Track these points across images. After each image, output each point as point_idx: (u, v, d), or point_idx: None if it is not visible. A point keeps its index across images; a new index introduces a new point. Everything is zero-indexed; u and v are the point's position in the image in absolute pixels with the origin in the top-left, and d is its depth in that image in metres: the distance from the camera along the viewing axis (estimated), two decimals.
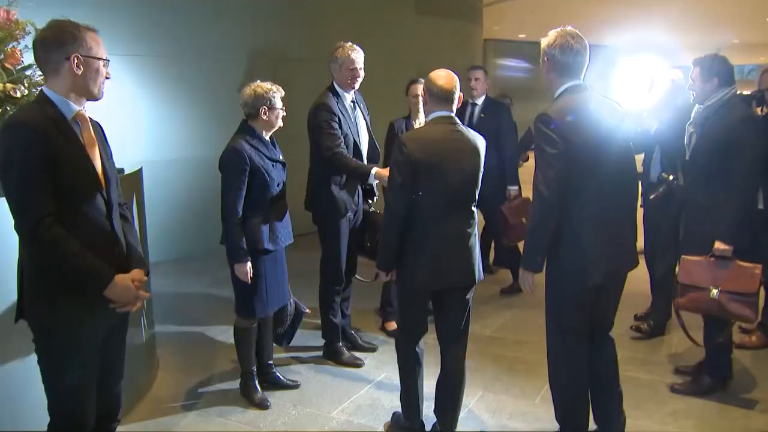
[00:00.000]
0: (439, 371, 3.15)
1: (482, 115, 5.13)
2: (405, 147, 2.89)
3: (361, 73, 4.01)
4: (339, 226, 4.01)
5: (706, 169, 3.44)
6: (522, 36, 17.89)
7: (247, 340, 3.58)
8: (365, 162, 4.07)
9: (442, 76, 2.99)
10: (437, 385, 3.16)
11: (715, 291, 3.29)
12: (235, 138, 3.39)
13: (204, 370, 4.07)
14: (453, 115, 3.01)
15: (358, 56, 3.98)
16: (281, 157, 3.50)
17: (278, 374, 3.80)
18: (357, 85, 4.04)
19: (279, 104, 3.42)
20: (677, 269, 3.52)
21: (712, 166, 3.39)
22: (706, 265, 3.35)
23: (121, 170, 3.18)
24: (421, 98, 3.67)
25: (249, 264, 3.32)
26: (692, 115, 3.63)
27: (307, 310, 3.87)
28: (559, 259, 2.77)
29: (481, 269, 3.11)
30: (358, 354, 4.20)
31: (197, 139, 6.62)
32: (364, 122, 4.19)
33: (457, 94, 3.01)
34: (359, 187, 4.10)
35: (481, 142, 3.05)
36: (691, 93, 3.61)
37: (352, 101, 4.09)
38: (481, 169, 3.03)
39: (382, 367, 4.07)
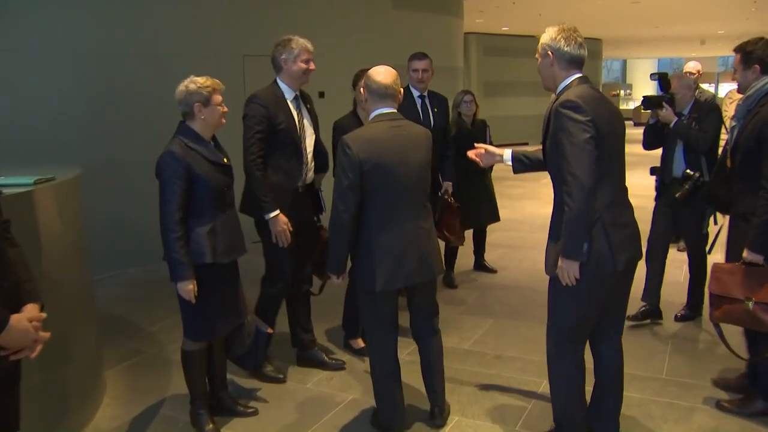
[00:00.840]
0: (420, 363, 3.25)
1: (435, 110, 4.75)
2: (349, 148, 2.87)
3: (314, 66, 3.70)
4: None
5: (748, 168, 3.19)
6: (505, 29, 17.56)
7: (195, 364, 3.23)
8: (308, 165, 3.76)
9: (381, 72, 2.99)
10: (422, 374, 3.26)
11: (750, 303, 3.03)
12: (171, 141, 3.05)
13: (155, 394, 3.71)
14: (395, 110, 3.01)
15: (311, 47, 3.68)
16: (226, 160, 3.14)
17: (233, 401, 3.46)
18: (307, 80, 3.73)
19: (217, 100, 3.08)
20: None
21: (753, 165, 3.15)
22: (738, 274, 3.09)
23: None
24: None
25: (193, 281, 2.98)
26: (732, 107, 3.46)
27: (269, 330, 3.51)
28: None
29: (441, 264, 3.18)
30: (329, 372, 3.93)
31: (140, 143, 6.09)
32: (310, 120, 3.83)
33: (398, 89, 3.00)
34: (301, 198, 3.77)
35: (426, 136, 3.06)
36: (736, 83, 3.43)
37: (296, 97, 3.75)
38: (429, 163, 3.04)
39: (349, 388, 3.73)
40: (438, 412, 3.27)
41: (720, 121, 4.29)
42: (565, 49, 2.73)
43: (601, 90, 24.38)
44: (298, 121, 3.72)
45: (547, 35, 2.78)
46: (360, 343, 4.20)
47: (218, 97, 3.08)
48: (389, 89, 2.98)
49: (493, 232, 7.38)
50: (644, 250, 3.08)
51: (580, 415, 2.91)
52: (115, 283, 5.81)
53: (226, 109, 3.14)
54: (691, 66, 5.35)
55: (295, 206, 3.68)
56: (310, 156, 3.79)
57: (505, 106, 17.98)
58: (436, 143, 4.50)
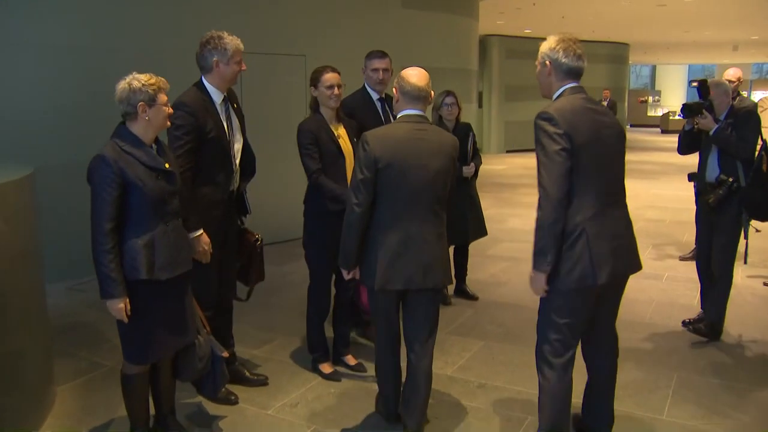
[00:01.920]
0: (406, 372, 3.15)
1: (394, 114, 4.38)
2: (368, 144, 2.91)
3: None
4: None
5: None
6: (528, 31, 17.11)
7: (136, 388, 2.94)
8: (236, 171, 3.49)
9: (415, 74, 3.00)
10: (404, 387, 3.16)
11: None
12: (106, 143, 2.74)
13: (104, 414, 3.41)
14: (422, 113, 3.02)
15: (242, 47, 3.39)
16: (168, 166, 2.83)
17: (181, 428, 3.15)
18: (235, 81, 3.45)
19: (163, 100, 2.77)
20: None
21: None
22: None
23: None
24: (337, 91, 3.63)
25: (125, 299, 2.68)
26: (765, 115, 3.40)
27: (224, 354, 3.19)
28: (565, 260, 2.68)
29: (450, 275, 3.13)
30: (294, 396, 3.62)
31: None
32: (238, 122, 3.54)
33: (430, 92, 3.03)
34: (227, 201, 3.50)
35: (452, 145, 3.05)
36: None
37: (224, 99, 3.45)
38: (449, 171, 3.01)
39: (314, 417, 3.40)
40: (415, 427, 3.11)
41: (758, 127, 4.23)
42: (563, 60, 2.76)
43: (627, 96, 23.87)
44: (228, 126, 3.43)
45: (546, 45, 2.81)
46: (328, 368, 3.88)
47: (164, 97, 2.79)
48: (422, 92, 2.99)
49: (499, 243, 7.06)
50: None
51: (565, 426, 2.85)
52: (91, 289, 5.53)
53: (171, 110, 2.86)
54: (731, 74, 5.16)
55: (225, 217, 3.45)
56: (237, 162, 3.51)
57: (526, 110, 17.49)
58: None
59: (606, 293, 2.81)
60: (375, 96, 4.21)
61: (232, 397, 3.50)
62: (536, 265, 2.70)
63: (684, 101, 4.35)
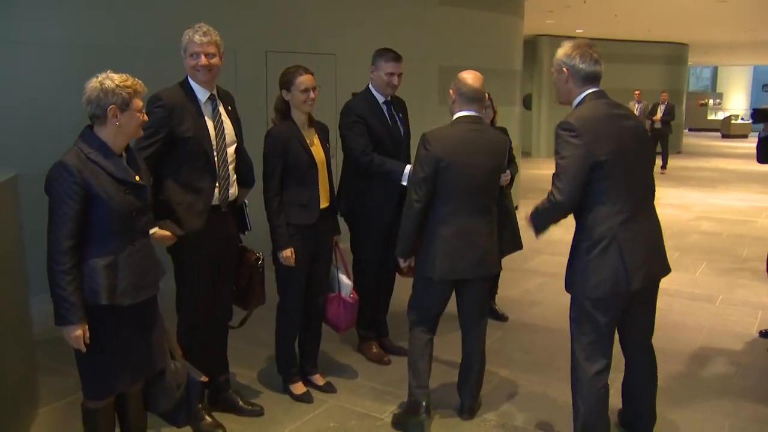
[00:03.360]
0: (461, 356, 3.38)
1: (401, 115, 4.00)
2: (429, 144, 3.09)
3: (214, 62, 3.06)
4: (192, 254, 3.11)
5: None
6: (580, 31, 16.44)
7: (99, 424, 2.61)
8: (229, 179, 3.17)
9: (471, 77, 3.16)
10: (460, 367, 3.40)
11: None
12: (69, 149, 2.43)
13: None
14: (477, 114, 3.18)
15: (204, 38, 3.03)
16: (138, 178, 2.50)
17: None
18: (207, 78, 3.09)
19: (137, 105, 2.46)
20: None
21: None
22: None
23: None
24: (312, 95, 3.37)
25: (83, 326, 2.36)
26: None
27: (203, 378, 2.87)
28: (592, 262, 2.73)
29: (500, 263, 3.39)
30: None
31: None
32: (231, 126, 3.20)
33: (485, 94, 3.24)
34: (222, 218, 3.19)
35: (504, 143, 3.29)
36: None
37: (211, 98, 3.13)
38: (501, 168, 3.26)
39: None
40: (468, 409, 3.39)
41: None
42: (581, 66, 2.77)
43: (685, 99, 22.90)
44: (214, 127, 3.10)
45: (562, 51, 2.83)
46: (299, 388, 3.60)
47: (139, 102, 2.47)
48: (477, 93, 3.15)
49: (537, 255, 6.57)
50: None
51: (600, 429, 2.87)
52: None
53: (144, 117, 2.53)
54: None
55: (213, 229, 3.10)
56: (231, 168, 3.18)
57: None
58: (405, 153, 3.96)
59: (639, 296, 2.82)
60: (381, 99, 3.87)
61: (219, 430, 3.17)
62: (533, 223, 2.87)
63: (749, 104, 4.04)
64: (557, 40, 17.06)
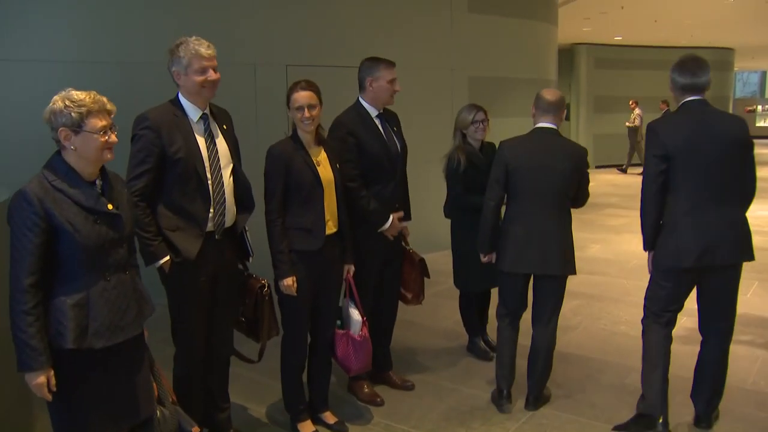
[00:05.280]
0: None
1: (395, 129, 3.70)
2: (501, 150, 3.52)
3: (217, 75, 2.85)
4: (185, 283, 2.89)
5: None
6: (618, 38, 15.94)
7: None
8: (225, 204, 2.93)
9: (549, 92, 3.56)
10: (528, 357, 3.62)
11: None
12: (34, 176, 2.20)
13: None
14: (551, 126, 3.50)
15: (210, 51, 2.83)
16: (111, 207, 2.26)
17: None
18: (211, 94, 2.88)
19: (94, 126, 2.18)
20: None
21: None
22: None
23: None
24: (308, 113, 3.11)
25: (48, 372, 2.12)
26: None
27: (194, 429, 2.61)
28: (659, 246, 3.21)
29: (572, 266, 3.51)
30: None
31: None
32: (226, 146, 2.97)
33: (559, 107, 3.51)
34: (219, 245, 2.97)
35: (577, 152, 3.50)
36: None
37: (204, 117, 2.90)
38: (571, 175, 3.43)
39: None
40: (532, 400, 3.60)
41: None
42: (679, 78, 3.19)
43: (732, 105, 22.20)
44: (207, 147, 2.86)
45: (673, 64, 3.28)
46: (308, 427, 3.32)
47: (97, 122, 2.19)
48: (551, 105, 3.49)
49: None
50: None
51: (657, 383, 3.26)
52: None
53: (113, 138, 2.24)
54: None
55: (208, 256, 2.87)
56: (227, 191, 2.94)
57: (617, 122, 16.27)
58: (402, 169, 3.74)
59: (705, 279, 3.17)
60: (374, 112, 3.58)
61: None
62: (646, 247, 3.31)
63: None
64: (595, 48, 16.87)
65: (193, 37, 2.86)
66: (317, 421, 3.40)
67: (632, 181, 13.75)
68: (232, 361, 3.25)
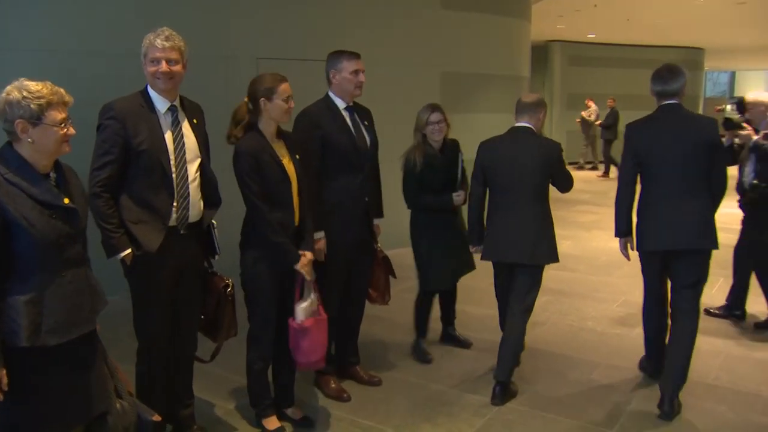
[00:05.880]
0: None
1: (366, 123, 3.68)
2: (479, 149, 3.79)
3: (177, 69, 2.82)
4: (147, 277, 2.85)
5: None
6: (592, 36, 16.06)
7: None
8: (190, 198, 2.89)
9: (528, 94, 3.94)
10: (500, 342, 3.73)
11: None
12: None
13: None
14: (526, 125, 3.73)
15: (166, 43, 2.79)
16: (68, 201, 2.21)
17: None
18: (168, 86, 2.84)
19: (54, 118, 2.15)
20: None
21: None
22: None
23: None
24: (292, 103, 3.13)
25: (1, 371, 2.07)
26: None
27: (155, 417, 2.59)
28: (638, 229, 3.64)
29: (552, 254, 3.68)
30: None
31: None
32: (194, 140, 2.93)
33: (535, 107, 3.76)
34: (183, 240, 2.92)
35: (549, 147, 3.72)
36: None
37: (172, 108, 2.87)
38: (543, 169, 3.65)
39: None
40: (498, 391, 3.66)
41: None
42: (652, 86, 3.60)
43: (702, 104, 22.38)
44: (174, 139, 2.83)
45: None
46: (273, 423, 3.28)
47: (57, 114, 2.16)
48: (525, 106, 3.75)
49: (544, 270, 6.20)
50: None
51: (653, 342, 3.83)
52: None
53: (71, 131, 2.22)
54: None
55: (171, 251, 2.83)
56: (192, 186, 2.90)
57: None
58: (372, 163, 3.73)
59: (671, 262, 3.57)
60: (342, 105, 3.56)
61: None
62: (618, 233, 3.72)
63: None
64: (569, 45, 16.97)
65: (162, 29, 2.82)
66: (283, 416, 3.37)
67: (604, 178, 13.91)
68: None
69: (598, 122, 14.67)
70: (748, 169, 4.61)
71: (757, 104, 4.72)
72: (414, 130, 4.09)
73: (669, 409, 3.42)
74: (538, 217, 3.64)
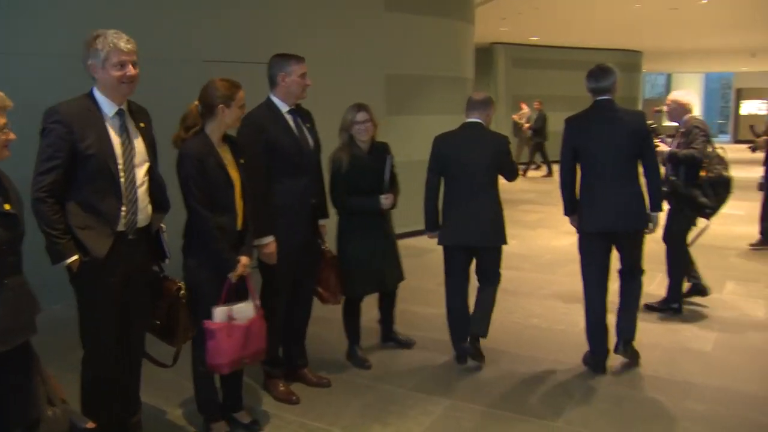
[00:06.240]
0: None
1: (308, 126, 3.68)
2: (435, 142, 4.11)
3: (137, 71, 2.79)
4: (95, 284, 2.79)
5: None
6: (535, 38, 16.40)
7: None
8: (138, 203, 2.85)
9: (478, 93, 4.30)
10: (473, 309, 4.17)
11: None
12: None
13: None
14: (477, 120, 4.07)
15: (129, 46, 2.76)
16: (8, 207, 2.16)
17: None
18: (130, 90, 2.81)
19: None
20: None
21: None
22: None
23: None
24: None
25: None
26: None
27: (89, 425, 2.53)
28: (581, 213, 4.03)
29: (501, 236, 4.07)
30: None
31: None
32: (143, 144, 2.91)
33: (484, 103, 4.10)
34: (132, 246, 2.87)
35: (497, 140, 4.09)
36: None
37: (120, 113, 2.83)
38: (493, 160, 4.02)
39: None
40: (472, 336, 4.13)
41: (700, 138, 4.88)
42: (586, 83, 3.99)
43: (641, 105, 23.06)
44: (122, 144, 2.80)
45: None
46: (222, 428, 3.26)
47: None
48: (474, 104, 4.11)
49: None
50: None
51: (596, 310, 4.04)
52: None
53: (11, 136, 2.19)
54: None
55: (119, 257, 2.79)
56: (141, 190, 2.87)
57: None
58: (315, 166, 3.73)
59: (616, 242, 3.99)
60: (285, 108, 3.56)
61: None
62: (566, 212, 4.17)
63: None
64: (512, 47, 17.25)
65: (112, 30, 2.76)
66: (232, 421, 3.34)
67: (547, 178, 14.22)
68: (144, 362, 3.16)
69: (526, 126, 14.87)
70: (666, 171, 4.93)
71: (674, 103, 5.09)
72: (340, 130, 3.99)
73: (624, 349, 4.04)
74: (493, 203, 4.01)
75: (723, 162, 4.89)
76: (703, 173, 4.79)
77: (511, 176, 4.16)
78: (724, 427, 3.37)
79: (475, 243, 4.02)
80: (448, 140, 4.08)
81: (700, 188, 4.82)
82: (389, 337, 4.49)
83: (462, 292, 4.15)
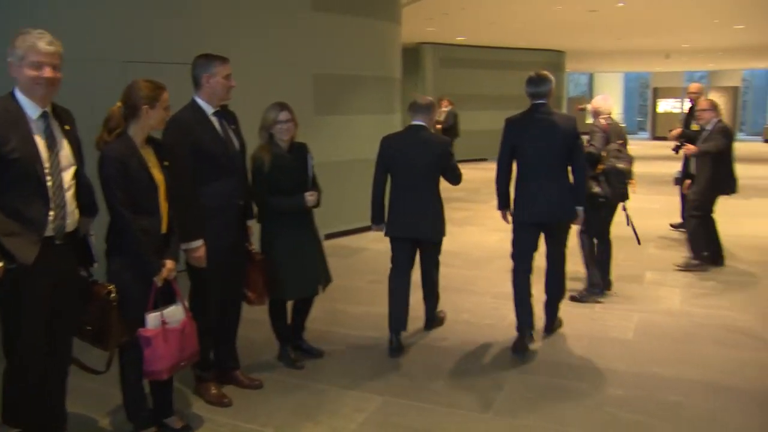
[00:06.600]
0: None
1: (233, 128, 3.67)
2: (381, 143, 4.45)
3: (59, 75, 2.73)
4: (21, 292, 2.70)
5: None
6: (461, 38, 16.67)
7: None
8: (66, 207, 2.79)
9: (422, 97, 4.49)
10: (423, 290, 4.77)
11: None
12: None
13: None
14: (420, 123, 4.37)
15: (50, 48, 2.68)
16: None
17: None
18: (48, 92, 2.74)
19: None
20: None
21: None
22: None
23: None
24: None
25: None
26: None
27: None
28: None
29: (440, 231, 4.50)
30: None
31: None
32: (68, 147, 2.85)
33: (426, 106, 4.40)
34: (59, 251, 2.80)
35: (438, 142, 4.42)
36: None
37: (44, 115, 2.76)
38: (435, 161, 4.32)
39: None
40: (428, 323, 4.86)
41: (597, 136, 5.31)
42: (525, 88, 4.35)
43: (566, 104, 23.74)
44: (47, 147, 2.72)
45: None
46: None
47: None
48: (417, 107, 4.38)
49: (415, 268, 6.37)
50: None
51: (522, 305, 4.39)
52: None
53: None
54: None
55: (46, 263, 2.70)
56: (68, 195, 2.80)
57: (463, 120, 17.00)
58: (241, 166, 3.72)
59: (545, 231, 4.42)
60: (210, 110, 3.53)
61: None
62: (499, 206, 4.56)
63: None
64: (440, 47, 17.48)
65: (38, 30, 2.67)
66: (163, 427, 3.28)
67: (476, 176, 14.45)
68: (70, 371, 3.07)
69: (438, 126, 14.85)
70: None
71: (592, 107, 5.57)
72: (260, 129, 3.90)
73: (550, 323, 4.61)
74: (434, 199, 4.37)
75: (621, 156, 5.20)
76: (600, 167, 5.15)
77: (454, 178, 4.44)
78: (643, 409, 3.53)
79: (417, 235, 4.38)
80: (393, 140, 4.44)
81: (595, 179, 5.11)
82: (296, 345, 4.28)
83: (404, 275, 4.43)
